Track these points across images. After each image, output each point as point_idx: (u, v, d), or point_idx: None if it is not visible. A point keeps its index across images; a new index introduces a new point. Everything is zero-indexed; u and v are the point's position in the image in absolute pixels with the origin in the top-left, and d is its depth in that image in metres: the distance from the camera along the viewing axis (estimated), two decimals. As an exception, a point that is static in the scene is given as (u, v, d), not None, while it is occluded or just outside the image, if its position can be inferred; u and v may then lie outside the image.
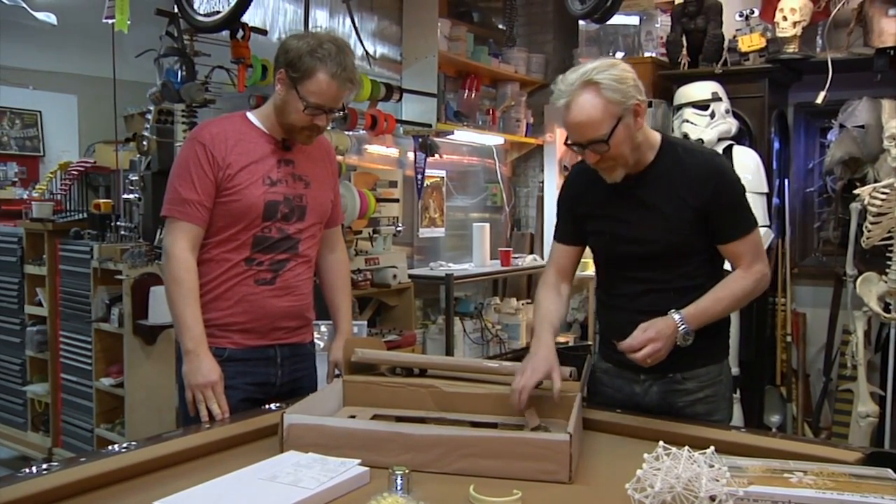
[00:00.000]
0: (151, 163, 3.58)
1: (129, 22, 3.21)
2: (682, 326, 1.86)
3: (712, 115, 4.16)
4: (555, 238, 2.19)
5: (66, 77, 7.50)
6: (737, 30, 4.44)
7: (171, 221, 2.12)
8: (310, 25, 3.83)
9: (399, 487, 1.43)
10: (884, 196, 3.77)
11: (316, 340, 2.47)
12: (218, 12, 3.17)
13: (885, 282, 3.82)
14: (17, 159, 7.40)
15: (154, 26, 3.42)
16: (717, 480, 1.33)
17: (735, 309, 1.99)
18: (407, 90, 4.31)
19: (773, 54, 4.30)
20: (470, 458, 1.60)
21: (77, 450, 4.01)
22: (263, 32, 3.57)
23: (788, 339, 4.46)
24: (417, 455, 1.61)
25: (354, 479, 1.53)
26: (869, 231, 3.81)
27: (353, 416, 1.90)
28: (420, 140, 4.48)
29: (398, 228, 4.27)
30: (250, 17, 3.43)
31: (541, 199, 5.49)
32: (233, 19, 3.16)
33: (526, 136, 5.36)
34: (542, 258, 5.12)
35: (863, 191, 3.88)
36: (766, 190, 4.15)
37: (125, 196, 3.81)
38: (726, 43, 4.42)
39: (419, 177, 4.58)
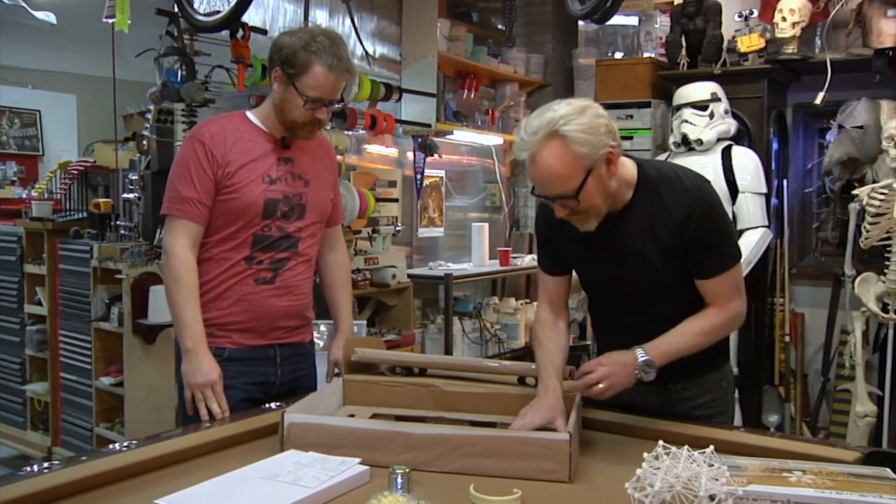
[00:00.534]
0: (151, 162, 3.58)
1: (129, 21, 3.20)
2: (643, 358, 1.77)
3: (711, 116, 4.16)
4: (539, 267, 2.05)
5: (66, 76, 7.50)
6: (736, 30, 4.45)
7: (171, 220, 2.13)
8: (309, 25, 3.83)
9: (399, 486, 1.44)
10: (882, 196, 3.77)
11: (316, 340, 2.48)
12: (218, 12, 3.17)
13: (884, 282, 3.83)
14: (16, 158, 7.41)
15: (154, 26, 3.43)
16: (717, 480, 1.33)
17: (704, 345, 1.84)
18: (406, 90, 4.32)
19: (772, 55, 4.30)
20: (470, 458, 1.60)
21: (76, 449, 4.01)
22: (263, 32, 3.57)
23: (787, 339, 4.47)
24: (418, 454, 1.61)
25: (355, 478, 1.53)
26: (867, 231, 3.82)
27: (351, 416, 1.90)
28: (419, 140, 4.48)
29: (397, 228, 4.27)
30: (250, 17, 3.43)
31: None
32: (233, 19, 3.16)
33: (525, 136, 5.35)
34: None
35: (861, 191, 3.88)
36: (764, 190, 4.15)
37: (125, 196, 3.81)
38: (725, 43, 4.42)
39: (418, 177, 4.59)
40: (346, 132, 3.85)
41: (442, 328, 4.42)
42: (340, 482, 1.50)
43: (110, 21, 3.24)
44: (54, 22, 5.33)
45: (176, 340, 2.17)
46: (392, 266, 4.16)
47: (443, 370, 2.12)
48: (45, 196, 4.72)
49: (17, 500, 1.39)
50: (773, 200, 4.39)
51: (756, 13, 4.41)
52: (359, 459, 1.58)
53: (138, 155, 3.67)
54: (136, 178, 3.67)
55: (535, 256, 2.12)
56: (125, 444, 1.67)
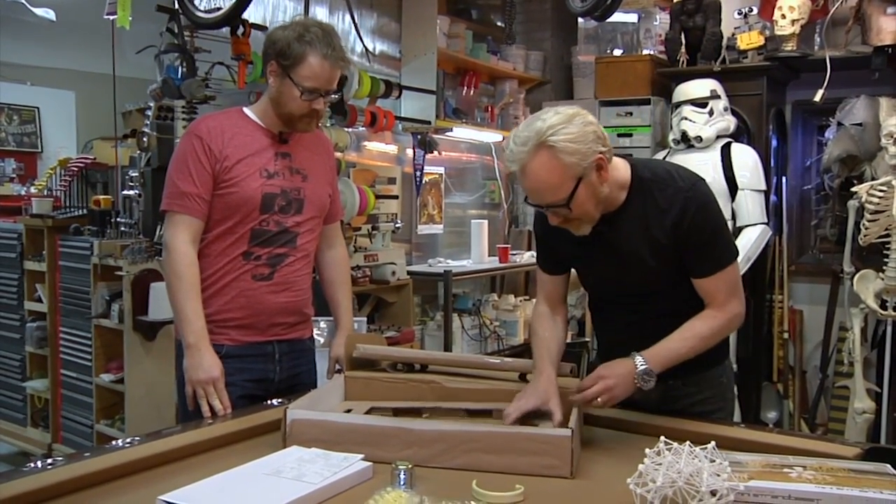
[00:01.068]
0: (151, 159, 3.58)
1: (130, 18, 3.20)
2: (642, 367, 1.76)
3: (711, 113, 4.17)
4: (538, 265, 2.07)
5: (64, 73, 7.49)
6: (735, 28, 4.45)
7: (171, 215, 2.13)
8: (301, 18, 3.84)
9: (402, 482, 1.44)
10: (881, 193, 3.78)
11: (316, 337, 2.48)
12: (219, 9, 3.18)
13: (882, 279, 3.84)
14: (14, 155, 7.40)
15: (152, 23, 3.43)
16: (719, 475, 1.34)
17: (703, 349, 1.85)
18: (406, 87, 4.32)
19: (772, 52, 4.31)
20: (472, 454, 1.61)
21: (77, 446, 4.01)
22: (264, 29, 3.56)
23: (785, 335, 4.48)
24: (420, 450, 1.62)
25: (358, 474, 1.54)
26: (866, 228, 3.83)
27: (348, 410, 1.90)
28: (419, 137, 4.49)
29: (397, 225, 4.28)
30: (251, 14, 3.43)
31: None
32: (233, 16, 3.17)
33: (524, 133, 5.36)
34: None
35: (860, 188, 3.89)
36: (764, 187, 4.16)
37: (125, 192, 3.81)
38: (725, 41, 4.43)
39: (418, 173, 4.59)
40: (345, 129, 3.85)
41: (441, 325, 4.42)
42: (343, 478, 1.50)
43: (111, 17, 3.24)
44: (53, 19, 5.33)
45: (176, 337, 2.18)
46: (391, 263, 4.17)
47: (444, 367, 2.13)
48: (45, 193, 4.71)
49: (21, 495, 1.39)
50: (772, 197, 4.40)
51: (755, 10, 4.42)
52: (361, 455, 1.59)
53: (139, 152, 3.67)
54: (137, 174, 3.67)
55: (534, 254, 2.13)
56: (128, 440, 1.68)
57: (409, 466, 1.46)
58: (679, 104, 4.27)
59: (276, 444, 1.70)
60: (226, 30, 3.32)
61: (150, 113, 3.56)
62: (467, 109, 4.91)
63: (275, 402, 2.01)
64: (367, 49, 4.24)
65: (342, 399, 2.05)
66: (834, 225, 4.32)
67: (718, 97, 4.19)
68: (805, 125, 4.69)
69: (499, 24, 5.61)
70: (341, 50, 2.14)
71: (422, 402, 1.97)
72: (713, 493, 1.32)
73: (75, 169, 4.50)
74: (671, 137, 4.32)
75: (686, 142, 4.20)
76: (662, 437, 1.40)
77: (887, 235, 3.81)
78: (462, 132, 4.91)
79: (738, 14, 4.46)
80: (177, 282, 2.10)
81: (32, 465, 1.51)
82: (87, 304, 3.93)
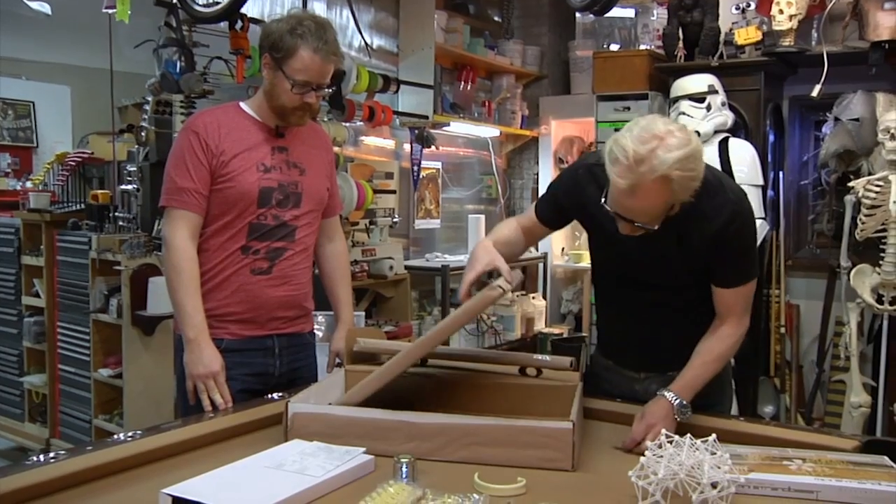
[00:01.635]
0: (149, 154, 3.58)
1: (129, 12, 3.19)
2: (677, 401, 1.79)
3: (708, 108, 4.16)
4: (535, 210, 2.09)
5: (60, 68, 7.47)
6: (733, 23, 4.45)
7: (170, 211, 2.13)
8: (297, 11, 3.83)
9: (404, 475, 1.45)
10: (878, 188, 3.80)
11: (316, 331, 2.48)
12: (217, 3, 3.17)
13: (879, 273, 3.86)
14: (9, 150, 7.38)
15: (149, 17, 3.42)
16: (719, 468, 1.35)
17: (720, 369, 1.91)
18: (404, 82, 4.32)
19: (769, 47, 4.31)
20: (474, 447, 1.62)
21: (75, 441, 4.01)
22: (262, 23, 3.56)
23: (782, 330, 4.49)
24: (422, 443, 1.63)
25: (360, 467, 1.54)
26: (863, 223, 3.84)
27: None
28: (416, 132, 4.49)
29: (394, 220, 4.28)
30: (249, 8, 3.43)
31: (535, 192, 5.51)
32: (232, 10, 3.16)
33: (521, 128, 5.37)
34: (537, 250, 5.14)
35: (857, 183, 3.91)
36: (761, 182, 4.16)
37: (123, 187, 3.80)
38: (722, 36, 4.43)
39: (415, 168, 4.59)
40: (343, 124, 3.85)
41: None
42: (345, 471, 1.51)
43: (110, 11, 3.22)
44: (49, 13, 5.30)
45: (175, 332, 2.18)
46: (389, 257, 4.17)
47: (444, 360, 2.13)
48: (42, 187, 4.70)
49: (23, 489, 1.39)
50: (770, 192, 4.41)
51: (753, 6, 4.42)
52: (363, 449, 1.59)
53: (137, 146, 3.67)
54: (135, 169, 3.67)
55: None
56: (130, 434, 1.68)
57: (412, 460, 1.47)
58: (676, 99, 4.27)
59: (278, 437, 1.71)
60: (224, 24, 3.32)
61: (148, 108, 3.55)
62: (465, 104, 4.91)
63: (275, 395, 2.02)
64: (365, 44, 4.24)
65: (343, 393, 2.05)
66: (831, 220, 4.33)
67: (716, 92, 4.20)
68: (802, 120, 4.70)
69: (496, 19, 5.61)
70: (335, 44, 2.13)
71: (421, 396, 1.98)
72: (714, 486, 1.33)
73: (73, 164, 4.49)
74: (669, 132, 4.31)
75: (684, 137, 4.19)
76: (664, 430, 1.41)
77: (884, 230, 3.82)
78: (459, 127, 4.91)
79: (736, 9, 4.47)
80: (176, 277, 2.10)
81: (35, 458, 1.51)
82: (86, 298, 3.93)
